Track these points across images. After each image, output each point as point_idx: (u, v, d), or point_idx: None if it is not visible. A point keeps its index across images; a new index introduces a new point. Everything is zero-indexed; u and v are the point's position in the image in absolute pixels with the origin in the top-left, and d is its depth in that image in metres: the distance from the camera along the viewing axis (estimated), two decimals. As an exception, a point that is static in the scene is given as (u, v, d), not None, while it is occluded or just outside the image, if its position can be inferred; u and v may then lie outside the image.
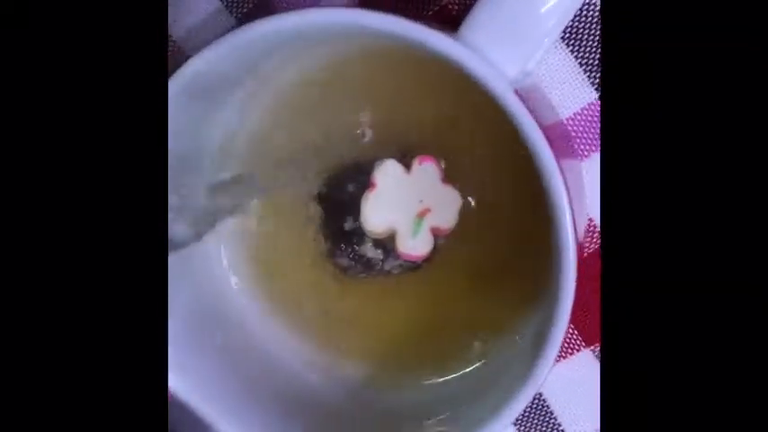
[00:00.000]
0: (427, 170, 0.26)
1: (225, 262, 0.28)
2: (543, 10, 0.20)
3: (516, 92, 0.20)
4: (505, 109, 0.20)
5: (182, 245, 0.25)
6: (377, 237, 0.26)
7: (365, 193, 0.26)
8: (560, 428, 0.29)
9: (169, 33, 0.29)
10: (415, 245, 0.26)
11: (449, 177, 0.26)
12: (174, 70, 0.23)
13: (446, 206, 0.26)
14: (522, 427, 0.29)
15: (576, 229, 0.20)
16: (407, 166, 0.26)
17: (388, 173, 0.26)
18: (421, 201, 0.26)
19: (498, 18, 0.20)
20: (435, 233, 0.26)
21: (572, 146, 0.27)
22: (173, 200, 0.24)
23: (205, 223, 0.26)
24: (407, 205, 0.26)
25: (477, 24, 0.20)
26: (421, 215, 0.26)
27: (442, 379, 0.27)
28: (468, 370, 0.27)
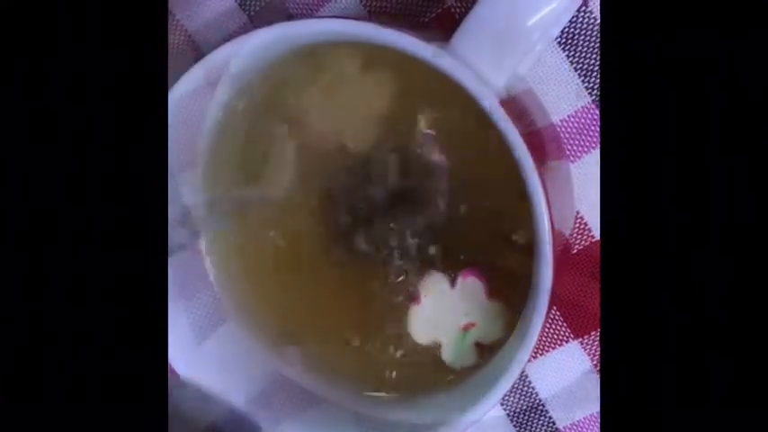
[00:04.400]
0: (473, 286, 0.26)
1: (208, 258, 0.29)
2: (530, 23, 0.21)
3: (504, 100, 0.21)
4: (491, 116, 0.21)
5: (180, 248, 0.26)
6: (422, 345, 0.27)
7: (412, 305, 0.26)
8: (549, 415, 0.30)
9: (185, 27, 0.30)
10: (459, 358, 0.26)
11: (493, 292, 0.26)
12: (189, 63, 0.25)
13: (491, 321, 0.26)
14: (513, 414, 0.30)
15: (552, 219, 0.21)
16: (453, 281, 0.26)
17: (433, 287, 0.26)
18: (466, 314, 0.26)
19: (487, 30, 0.21)
20: (480, 345, 0.26)
21: (562, 148, 0.28)
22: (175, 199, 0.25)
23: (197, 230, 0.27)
24: (452, 319, 0.26)
25: (467, 36, 0.21)
26: (466, 328, 0.26)
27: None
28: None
